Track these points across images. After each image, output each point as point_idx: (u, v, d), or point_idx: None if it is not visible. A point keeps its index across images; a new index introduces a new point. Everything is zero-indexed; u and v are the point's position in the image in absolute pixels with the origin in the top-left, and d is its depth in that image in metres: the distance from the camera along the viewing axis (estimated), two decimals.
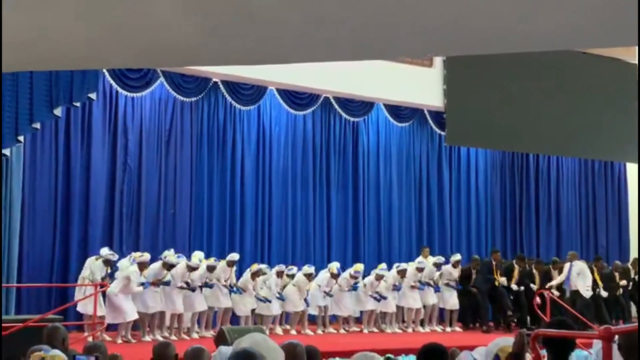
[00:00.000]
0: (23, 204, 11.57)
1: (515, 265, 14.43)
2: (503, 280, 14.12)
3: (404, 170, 15.77)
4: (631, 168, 18.00)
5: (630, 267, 15.78)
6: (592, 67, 15.20)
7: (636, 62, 15.78)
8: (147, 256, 11.37)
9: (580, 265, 14.44)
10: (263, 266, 12.50)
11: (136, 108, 13.07)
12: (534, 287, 14.20)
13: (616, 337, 3.93)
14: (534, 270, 14.68)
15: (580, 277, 14.26)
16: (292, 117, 14.50)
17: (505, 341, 4.55)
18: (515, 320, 14.10)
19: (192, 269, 11.53)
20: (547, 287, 13.96)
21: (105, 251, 11.29)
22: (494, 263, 14.31)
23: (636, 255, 16.57)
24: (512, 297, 14.25)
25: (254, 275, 12.25)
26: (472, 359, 4.92)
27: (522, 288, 14.21)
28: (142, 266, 11.19)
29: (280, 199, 14.41)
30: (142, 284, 11.01)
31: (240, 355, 2.97)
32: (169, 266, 11.30)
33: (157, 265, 11.36)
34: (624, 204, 18.50)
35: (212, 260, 11.90)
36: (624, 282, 15.16)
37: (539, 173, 17.42)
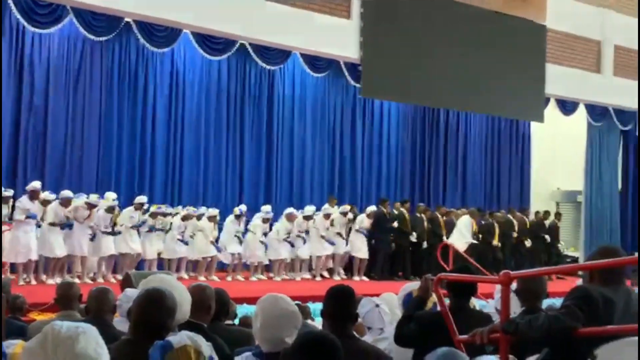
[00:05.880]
0: None
1: (402, 210, 14.88)
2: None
3: (318, 120, 15.83)
4: (535, 127, 18.63)
5: (513, 219, 16.34)
6: (505, 27, 15.53)
7: (545, 23, 16.22)
8: (35, 184, 11.04)
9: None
10: (164, 207, 12.43)
11: (44, 45, 12.61)
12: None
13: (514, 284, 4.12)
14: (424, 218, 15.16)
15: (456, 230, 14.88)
16: (207, 62, 14.23)
17: (415, 285, 4.71)
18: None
19: (91, 206, 11.32)
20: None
21: None
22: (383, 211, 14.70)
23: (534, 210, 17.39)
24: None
25: (153, 215, 12.14)
26: (373, 303, 5.09)
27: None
28: (34, 194, 10.87)
29: (192, 144, 14.26)
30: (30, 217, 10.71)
31: (150, 293, 2.95)
32: (67, 203, 11.03)
33: (55, 204, 11.09)
34: (527, 162, 19.19)
35: (111, 201, 11.71)
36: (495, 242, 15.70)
37: (448, 128, 17.81)
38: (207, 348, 2.39)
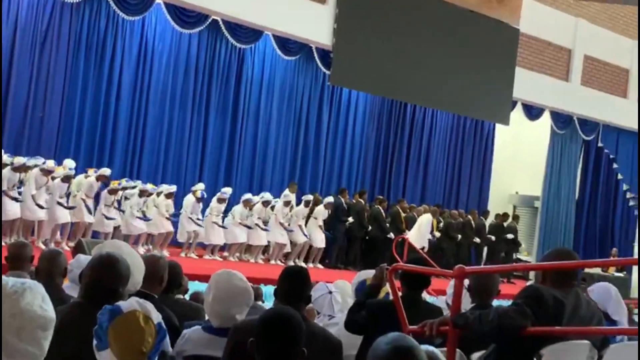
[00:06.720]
0: None
1: (360, 200, 14.94)
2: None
3: (285, 104, 15.71)
4: (499, 130, 18.80)
5: (471, 220, 16.54)
6: (479, 27, 15.62)
7: (519, 27, 16.35)
8: None
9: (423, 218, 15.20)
10: (124, 182, 12.28)
11: (12, 3, 12.29)
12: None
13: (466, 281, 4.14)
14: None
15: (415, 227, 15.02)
16: (178, 35, 14.04)
17: (369, 274, 4.73)
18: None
19: (47, 172, 11.11)
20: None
21: None
22: (342, 201, 14.72)
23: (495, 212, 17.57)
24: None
25: (111, 192, 11.98)
26: (327, 289, 5.10)
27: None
28: None
29: (156, 117, 14.06)
30: None
31: (104, 257, 2.91)
32: (24, 169, 10.80)
33: (7, 171, 10.79)
34: (488, 163, 19.35)
35: (66, 170, 11.49)
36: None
37: (414, 123, 17.84)
38: (156, 315, 2.36)
